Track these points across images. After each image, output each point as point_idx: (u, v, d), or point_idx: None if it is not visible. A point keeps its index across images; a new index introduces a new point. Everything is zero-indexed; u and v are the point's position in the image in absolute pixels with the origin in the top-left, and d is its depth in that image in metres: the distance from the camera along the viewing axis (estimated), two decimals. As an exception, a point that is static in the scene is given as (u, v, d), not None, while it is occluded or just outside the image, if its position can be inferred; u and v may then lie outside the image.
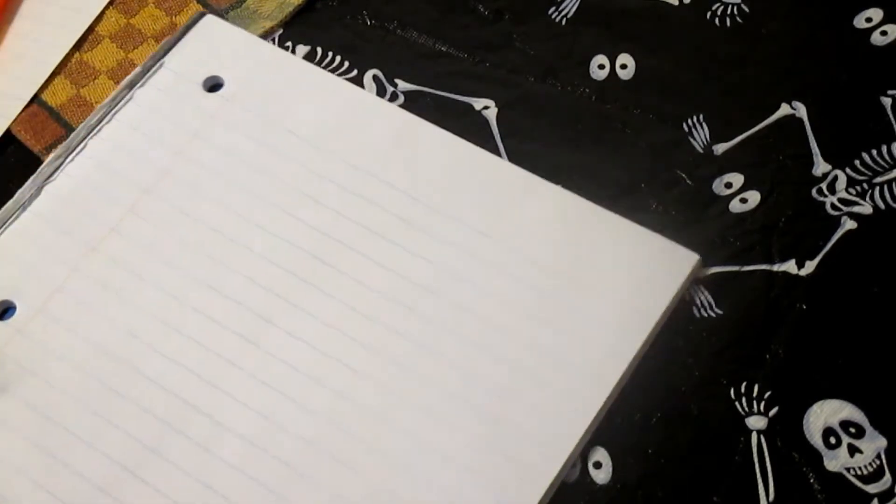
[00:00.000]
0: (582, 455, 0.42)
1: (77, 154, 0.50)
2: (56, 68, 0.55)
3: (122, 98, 0.51)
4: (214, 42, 0.53)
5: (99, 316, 0.45)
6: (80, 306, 0.46)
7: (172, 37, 0.53)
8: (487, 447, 0.41)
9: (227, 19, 0.55)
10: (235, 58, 0.52)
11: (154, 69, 0.52)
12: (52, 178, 0.49)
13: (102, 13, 0.56)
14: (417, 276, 0.45)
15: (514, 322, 0.44)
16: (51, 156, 0.50)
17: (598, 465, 0.42)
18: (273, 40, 0.54)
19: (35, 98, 0.54)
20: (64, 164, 0.50)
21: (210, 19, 0.54)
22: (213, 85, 0.52)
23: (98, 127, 0.51)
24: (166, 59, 0.52)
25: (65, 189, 0.49)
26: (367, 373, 0.43)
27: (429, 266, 0.46)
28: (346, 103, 0.51)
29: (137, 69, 0.52)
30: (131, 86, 0.52)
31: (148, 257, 0.46)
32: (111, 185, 0.49)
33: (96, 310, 0.46)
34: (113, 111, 0.51)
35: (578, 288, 0.45)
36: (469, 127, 0.50)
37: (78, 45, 0.55)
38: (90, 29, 0.56)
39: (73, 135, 0.51)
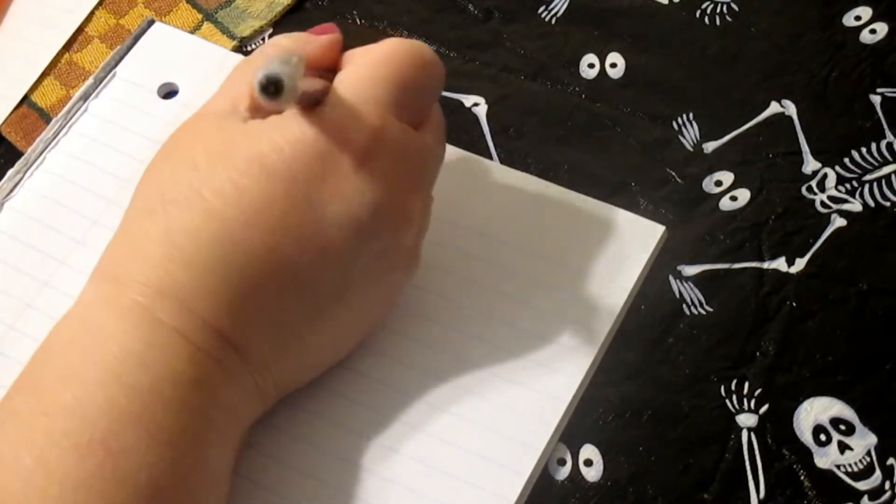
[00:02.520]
0: (572, 453, 0.42)
1: (35, 168, 0.50)
2: (46, 69, 0.55)
3: (77, 110, 0.51)
4: (166, 49, 0.53)
5: None
6: (53, 321, 0.45)
7: (123, 46, 0.53)
8: (463, 443, 0.42)
9: (216, 19, 0.55)
10: (188, 63, 0.52)
11: (107, 79, 0.52)
12: (11, 195, 0.49)
13: (92, 13, 0.56)
14: None
15: (487, 307, 0.44)
16: (9, 172, 0.50)
17: (588, 463, 0.42)
18: (263, 40, 0.54)
19: (25, 99, 0.54)
20: (23, 180, 0.50)
21: (159, 27, 0.53)
22: (168, 92, 0.52)
23: (55, 140, 0.50)
24: (118, 68, 0.52)
25: (26, 204, 0.49)
26: (347, 365, 0.44)
27: None
28: None
29: (90, 80, 0.52)
30: (85, 97, 0.52)
31: None
32: (74, 197, 0.49)
33: None
34: (69, 124, 0.51)
35: (548, 268, 0.45)
36: (459, 124, 0.50)
37: (67, 46, 0.55)
38: (80, 29, 0.56)
39: (29, 150, 0.50)
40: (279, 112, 0.38)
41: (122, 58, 0.53)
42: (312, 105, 0.38)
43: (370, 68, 0.40)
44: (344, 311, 0.40)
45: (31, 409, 0.35)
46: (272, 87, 0.33)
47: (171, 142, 0.40)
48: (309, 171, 0.37)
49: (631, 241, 0.46)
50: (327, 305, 0.39)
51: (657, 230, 0.46)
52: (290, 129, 0.38)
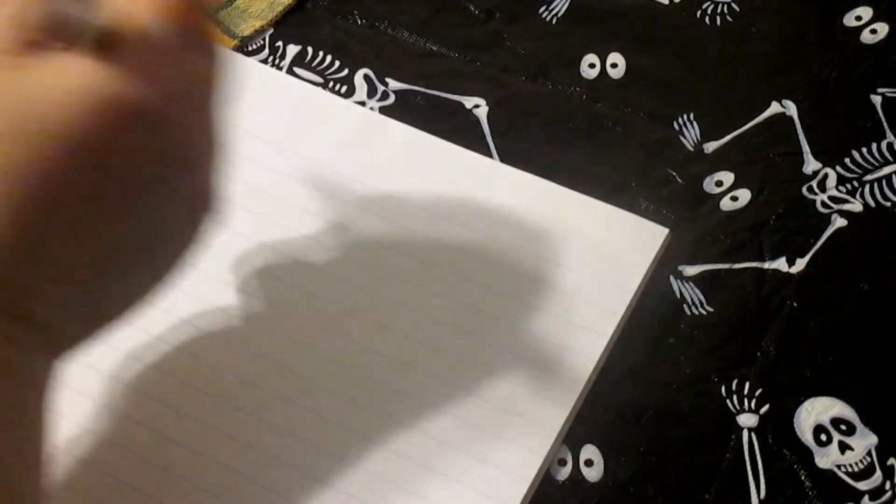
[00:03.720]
0: (573, 453, 0.42)
1: None
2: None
3: None
4: None
5: None
6: None
7: None
8: (466, 446, 0.42)
9: (217, 18, 0.55)
10: None
11: None
12: None
13: (93, 14, 0.56)
14: (392, 269, 0.46)
15: (490, 309, 0.44)
16: None
17: (589, 463, 0.42)
18: (264, 40, 0.54)
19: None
20: None
21: None
22: None
23: None
24: None
25: None
26: (349, 365, 0.44)
27: (400, 257, 0.46)
28: (296, 97, 0.51)
29: None
30: None
31: None
32: None
33: None
34: None
35: (552, 270, 0.45)
36: (460, 125, 0.50)
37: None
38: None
39: None
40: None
41: None
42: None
43: None
44: (139, 262, 0.38)
45: None
46: None
47: None
48: (85, 124, 0.34)
49: (634, 244, 0.46)
50: (122, 259, 0.37)
51: (661, 233, 0.46)
52: (62, 80, 0.35)
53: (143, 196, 0.37)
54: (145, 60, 0.36)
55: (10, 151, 0.34)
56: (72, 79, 0.35)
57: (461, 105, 0.51)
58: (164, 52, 0.37)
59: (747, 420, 0.42)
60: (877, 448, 0.41)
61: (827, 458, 0.41)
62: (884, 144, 0.48)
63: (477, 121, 0.51)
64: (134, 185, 0.36)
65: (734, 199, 0.47)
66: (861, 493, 0.40)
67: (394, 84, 0.53)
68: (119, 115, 0.35)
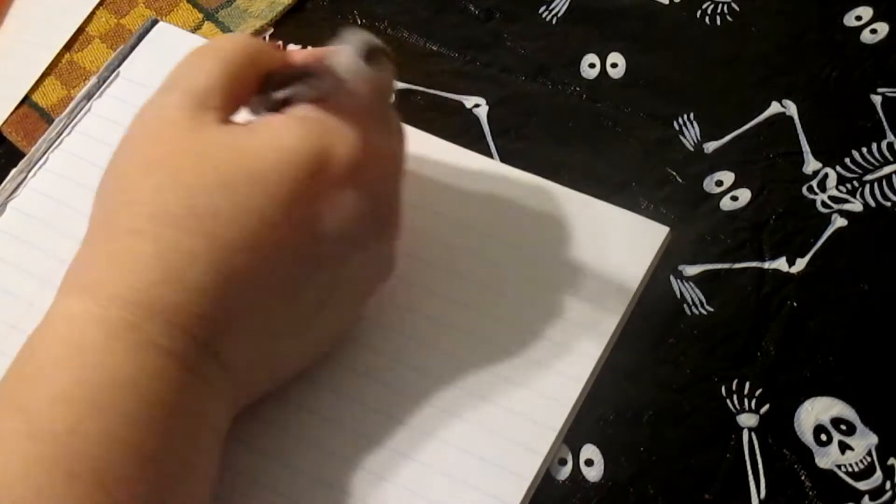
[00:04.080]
0: (573, 453, 0.42)
1: (39, 168, 0.50)
2: (46, 69, 0.55)
3: (81, 109, 0.51)
4: (169, 49, 0.53)
5: None
6: None
7: (126, 45, 0.53)
8: (466, 445, 0.42)
9: (217, 18, 0.55)
10: None
11: (110, 79, 0.52)
12: (15, 194, 0.49)
13: (93, 13, 0.56)
14: (400, 273, 0.46)
15: (491, 308, 0.44)
16: (12, 172, 0.50)
17: (589, 463, 0.42)
18: (264, 40, 0.54)
19: (26, 99, 0.54)
20: (27, 179, 0.50)
21: (163, 27, 0.53)
22: None
23: (58, 140, 0.50)
24: (122, 68, 0.52)
25: (30, 204, 0.49)
26: (349, 366, 0.44)
27: (398, 256, 0.46)
28: None
29: (93, 80, 0.52)
30: (89, 97, 0.52)
31: None
32: (77, 197, 0.48)
33: None
34: (72, 123, 0.51)
35: (552, 269, 0.45)
36: (460, 125, 0.50)
37: (68, 46, 0.55)
38: (80, 29, 0.56)
39: (32, 149, 0.51)
40: (361, 87, 0.37)
41: (125, 58, 0.53)
42: (278, 108, 0.38)
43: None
44: (323, 319, 0.40)
45: (17, 434, 0.33)
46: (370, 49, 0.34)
47: (137, 146, 0.39)
48: (303, 187, 0.37)
49: (635, 242, 0.46)
50: (310, 314, 0.39)
51: (661, 231, 0.46)
52: (281, 140, 0.37)
53: (347, 257, 0.39)
54: (355, 118, 0.37)
55: (237, 202, 0.36)
56: (284, 137, 0.37)
57: (461, 104, 0.51)
58: (369, 111, 0.39)
59: (747, 420, 0.42)
60: (877, 448, 0.41)
61: (827, 458, 0.41)
62: (884, 144, 0.48)
63: (477, 120, 0.51)
64: (341, 246, 0.38)
65: (734, 198, 0.47)
66: (861, 493, 0.40)
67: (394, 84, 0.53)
68: (331, 174, 0.37)
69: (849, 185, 0.47)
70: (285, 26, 0.55)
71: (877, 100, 0.49)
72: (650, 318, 0.45)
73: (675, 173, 0.48)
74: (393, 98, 0.43)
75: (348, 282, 0.40)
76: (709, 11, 0.53)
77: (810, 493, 0.40)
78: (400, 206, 0.41)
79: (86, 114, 0.51)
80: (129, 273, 0.36)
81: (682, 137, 0.49)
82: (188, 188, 0.36)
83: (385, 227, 0.40)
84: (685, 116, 0.50)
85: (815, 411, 0.42)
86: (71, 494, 0.32)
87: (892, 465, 0.41)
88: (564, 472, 0.42)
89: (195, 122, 0.37)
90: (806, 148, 0.48)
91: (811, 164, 0.48)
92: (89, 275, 0.37)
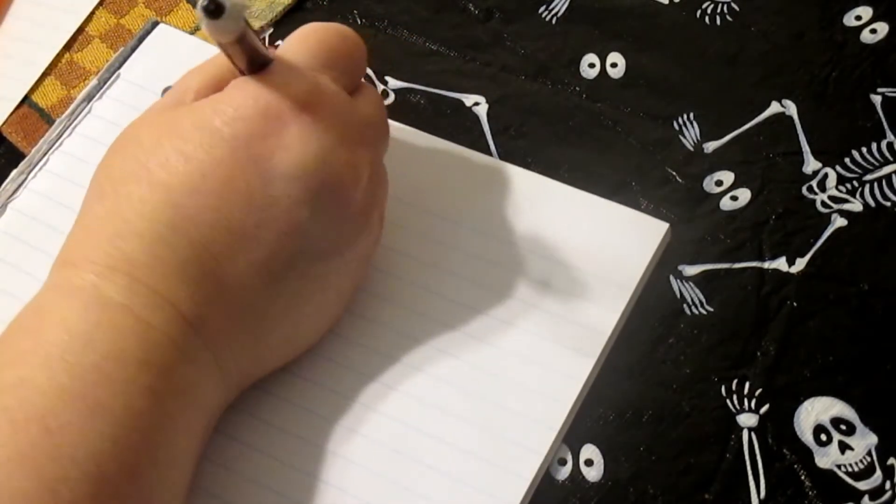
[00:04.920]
0: (573, 453, 0.42)
1: (39, 169, 0.50)
2: (46, 69, 0.55)
3: (81, 111, 0.51)
4: (170, 51, 0.53)
5: None
6: None
7: (126, 47, 0.53)
8: (466, 445, 0.42)
9: (216, 19, 0.55)
10: (192, 66, 0.52)
11: (111, 81, 0.52)
12: (15, 195, 0.49)
13: (92, 13, 0.56)
14: (390, 267, 0.46)
15: (489, 307, 0.44)
16: (13, 173, 0.50)
17: (589, 463, 0.42)
18: (263, 40, 0.54)
19: (25, 99, 0.54)
20: (27, 181, 0.50)
21: (163, 28, 0.53)
22: None
23: (58, 141, 0.50)
24: (122, 69, 0.52)
25: (31, 205, 0.49)
26: (349, 366, 0.44)
27: (398, 255, 0.46)
28: None
29: (93, 81, 0.52)
30: (89, 98, 0.52)
31: None
32: (77, 198, 0.48)
33: None
34: (73, 125, 0.51)
35: (551, 266, 0.45)
36: (460, 123, 0.50)
37: (68, 46, 0.55)
38: (80, 29, 0.56)
39: (33, 150, 0.51)
40: (226, 41, 0.37)
41: (125, 59, 0.53)
42: (259, 68, 0.39)
43: (298, 41, 0.42)
44: (303, 284, 0.40)
45: None
46: (213, 6, 0.33)
47: (119, 136, 0.41)
48: (251, 128, 0.38)
49: (634, 239, 0.45)
50: (283, 274, 0.39)
51: (661, 227, 0.46)
52: (230, 94, 0.38)
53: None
54: (279, 76, 0.39)
55: (185, 150, 0.38)
56: (228, 92, 0.39)
57: (461, 103, 0.51)
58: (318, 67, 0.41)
59: (747, 420, 0.42)
60: (877, 448, 0.41)
61: (827, 458, 0.41)
62: (884, 144, 0.48)
63: (477, 119, 0.51)
64: (297, 190, 0.39)
65: (734, 198, 0.47)
66: (861, 493, 0.40)
67: (393, 83, 0.53)
68: (269, 117, 0.38)
69: (849, 185, 0.47)
70: (285, 26, 0.55)
71: (877, 100, 0.49)
72: (650, 318, 0.45)
73: (674, 173, 0.48)
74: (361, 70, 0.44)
75: (320, 239, 0.39)
76: (709, 11, 0.53)
77: (810, 493, 0.40)
78: (372, 164, 0.41)
79: (86, 115, 0.51)
80: (90, 234, 0.38)
81: (682, 137, 0.49)
82: (145, 149, 0.38)
83: (347, 173, 0.39)
84: (685, 116, 0.50)
85: (815, 411, 0.42)
86: (13, 439, 0.33)
87: (892, 465, 0.41)
88: (564, 472, 0.42)
89: (170, 109, 0.40)
90: (806, 148, 0.48)
91: (811, 164, 0.48)
92: (63, 249, 0.39)
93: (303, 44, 0.41)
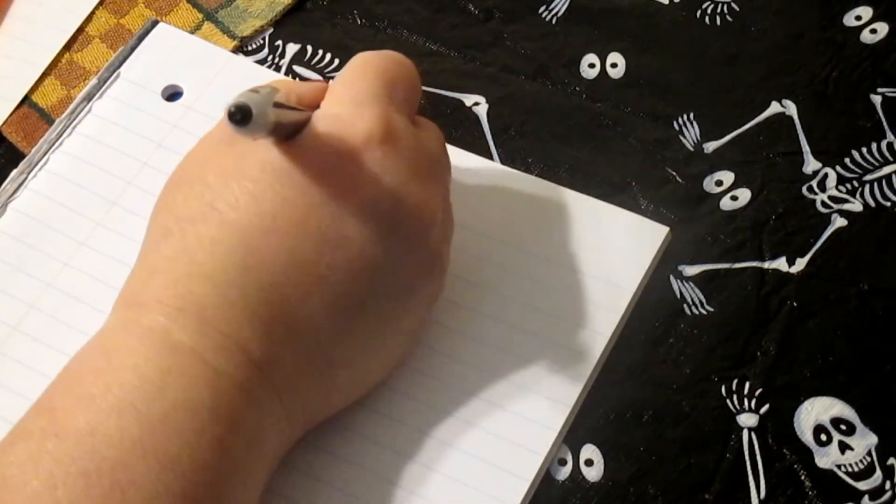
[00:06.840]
0: (573, 453, 0.42)
1: (39, 169, 0.50)
2: (46, 69, 0.55)
3: (81, 111, 0.51)
4: (170, 50, 0.53)
5: (75, 330, 0.44)
6: (57, 322, 0.45)
7: (126, 46, 0.53)
8: (466, 447, 0.42)
9: (217, 18, 0.55)
10: (193, 66, 0.52)
11: (111, 80, 0.52)
12: (15, 195, 0.49)
13: (92, 13, 0.56)
14: None
15: (489, 309, 0.44)
16: (12, 173, 0.50)
17: (589, 463, 0.42)
18: (263, 39, 0.54)
19: (25, 99, 0.54)
20: (26, 181, 0.49)
21: (163, 28, 0.53)
22: (172, 94, 0.51)
23: (58, 141, 0.50)
24: (122, 69, 0.52)
25: (31, 205, 0.49)
26: None
27: None
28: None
29: (93, 81, 0.52)
30: (89, 98, 0.51)
31: (121, 269, 0.45)
32: (77, 198, 0.48)
33: (73, 325, 0.45)
34: (72, 124, 0.51)
35: (551, 269, 0.45)
36: (459, 123, 0.50)
37: (68, 46, 0.55)
38: (80, 29, 0.56)
39: (33, 150, 0.50)
40: (260, 138, 0.37)
41: (125, 59, 0.53)
42: (293, 135, 0.38)
43: (357, 72, 0.40)
44: (375, 324, 0.39)
45: (42, 431, 0.34)
46: (239, 115, 0.33)
47: (178, 169, 0.40)
48: (322, 168, 0.37)
49: (635, 243, 0.46)
50: (355, 314, 0.38)
51: (661, 231, 0.46)
52: (300, 136, 0.37)
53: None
54: (345, 115, 0.39)
55: (255, 191, 0.37)
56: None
57: (461, 102, 0.51)
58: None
59: (747, 420, 0.42)
60: (877, 448, 0.41)
61: (827, 458, 0.41)
62: (884, 144, 0.48)
63: (476, 118, 0.51)
64: (369, 230, 0.38)
65: (734, 198, 0.47)
66: (861, 493, 0.40)
67: (393, 84, 0.52)
68: (341, 156, 0.38)
69: (849, 185, 0.47)
70: (285, 26, 0.55)
71: (877, 100, 0.49)
72: (650, 318, 0.45)
73: (675, 173, 0.48)
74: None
75: (391, 280, 0.38)
76: (708, 11, 0.53)
77: (810, 492, 0.40)
78: (444, 200, 0.40)
79: (86, 115, 0.51)
80: (158, 273, 0.37)
81: (682, 137, 0.49)
82: (212, 188, 0.37)
83: (422, 213, 0.39)
84: (685, 116, 0.50)
85: (815, 411, 0.42)
86: (85, 493, 0.32)
87: (892, 465, 0.41)
88: (564, 472, 0.42)
89: (231, 144, 0.39)
90: (806, 148, 0.48)
91: (811, 164, 0.48)
92: (126, 287, 0.38)
93: (362, 76, 0.40)
